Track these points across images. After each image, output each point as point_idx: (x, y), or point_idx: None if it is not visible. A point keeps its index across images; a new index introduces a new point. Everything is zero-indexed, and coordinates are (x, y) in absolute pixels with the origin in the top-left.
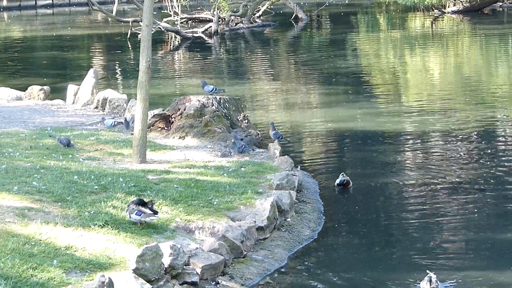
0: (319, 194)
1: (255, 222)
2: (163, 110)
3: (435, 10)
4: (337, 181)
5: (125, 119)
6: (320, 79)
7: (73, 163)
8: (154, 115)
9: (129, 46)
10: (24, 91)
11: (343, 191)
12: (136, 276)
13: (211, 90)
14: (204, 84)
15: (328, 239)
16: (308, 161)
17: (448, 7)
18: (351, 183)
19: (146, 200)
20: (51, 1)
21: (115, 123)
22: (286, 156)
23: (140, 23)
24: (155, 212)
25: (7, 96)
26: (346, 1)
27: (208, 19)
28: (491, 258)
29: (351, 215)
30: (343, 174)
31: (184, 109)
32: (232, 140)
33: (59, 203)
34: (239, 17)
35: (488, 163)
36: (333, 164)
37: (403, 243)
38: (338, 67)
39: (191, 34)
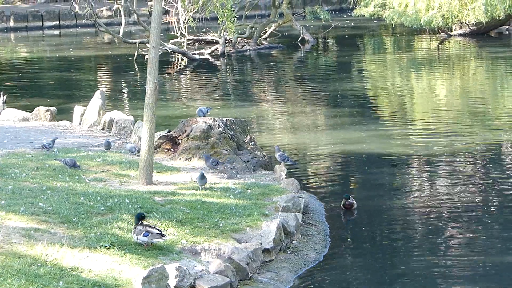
0: (325, 216)
1: (261, 244)
2: (170, 131)
3: (442, 33)
4: (342, 202)
5: (106, 140)
6: (326, 101)
7: (80, 184)
8: (160, 137)
9: (136, 67)
10: (31, 112)
11: (348, 213)
12: None
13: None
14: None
15: (334, 262)
16: (314, 183)
17: (455, 30)
18: (355, 205)
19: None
20: (58, 23)
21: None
22: (292, 178)
23: (147, 44)
24: (162, 234)
25: (13, 117)
26: (352, 24)
27: (214, 40)
28: (496, 281)
29: (357, 237)
30: (347, 196)
31: (191, 131)
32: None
33: (65, 224)
34: (245, 39)
35: (494, 187)
36: (339, 186)
37: (408, 265)
38: (345, 89)
39: (197, 56)
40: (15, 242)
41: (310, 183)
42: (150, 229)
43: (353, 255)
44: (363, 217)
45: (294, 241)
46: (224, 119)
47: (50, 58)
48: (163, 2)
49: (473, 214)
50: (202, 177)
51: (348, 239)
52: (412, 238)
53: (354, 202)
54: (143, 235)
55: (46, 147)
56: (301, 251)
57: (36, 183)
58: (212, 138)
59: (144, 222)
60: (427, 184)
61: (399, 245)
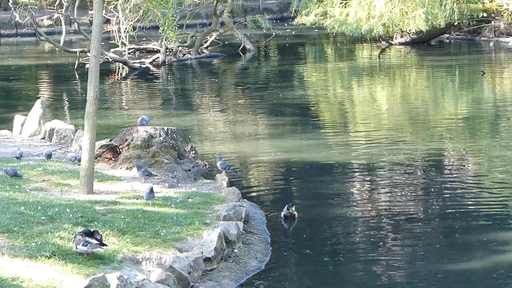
0: (266, 225)
1: (202, 253)
2: (111, 140)
3: (383, 42)
4: (282, 213)
5: (46, 151)
6: (267, 110)
7: (20, 194)
8: (101, 146)
9: (77, 76)
10: None
11: (289, 221)
12: None
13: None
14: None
15: (275, 270)
16: (256, 192)
17: (396, 38)
18: (296, 216)
19: (92, 230)
20: None
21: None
22: (233, 187)
23: (88, 53)
24: (102, 243)
25: None
26: (293, 33)
27: (156, 49)
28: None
29: (298, 245)
30: (288, 207)
31: (132, 140)
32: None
33: (6, 234)
34: (187, 48)
35: (434, 194)
36: (280, 195)
37: (349, 273)
38: (286, 98)
39: (138, 65)
40: None
41: (251, 191)
42: (89, 239)
43: (294, 263)
44: (304, 225)
45: (236, 250)
46: (165, 128)
47: None
48: (104, 11)
49: (413, 221)
50: (151, 192)
51: (289, 248)
52: (353, 246)
53: (296, 213)
54: (82, 245)
55: None
56: (243, 260)
57: None
58: (153, 147)
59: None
60: (368, 192)
61: (340, 253)
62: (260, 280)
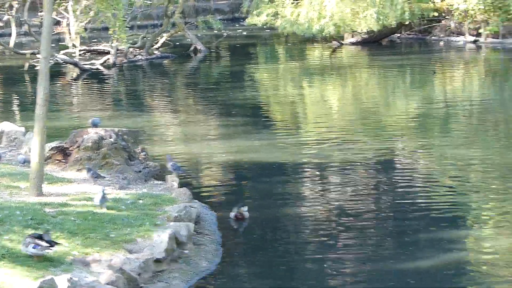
0: (217, 226)
1: (152, 254)
2: (61, 142)
3: (334, 42)
4: (232, 213)
5: None
6: (218, 110)
7: None
8: (51, 148)
9: (27, 78)
10: None
11: (241, 222)
12: None
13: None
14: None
15: (226, 270)
16: (207, 193)
17: (347, 38)
18: (246, 216)
19: (42, 232)
20: None
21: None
22: (184, 188)
23: (38, 55)
24: (52, 244)
25: None
26: (245, 33)
27: (106, 51)
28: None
29: (249, 246)
30: (238, 208)
31: (82, 142)
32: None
33: None
34: (137, 49)
35: (385, 194)
36: (231, 196)
37: (301, 273)
38: (237, 98)
39: (89, 66)
40: None
41: (202, 192)
42: (39, 241)
43: (245, 264)
44: (256, 225)
45: (186, 251)
46: (116, 129)
47: None
48: (54, 12)
49: (364, 220)
50: (104, 197)
51: (240, 248)
52: (304, 245)
53: (246, 213)
54: (32, 247)
55: None
56: (193, 261)
57: None
58: (103, 149)
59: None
60: (319, 191)
61: (292, 253)
62: (210, 281)
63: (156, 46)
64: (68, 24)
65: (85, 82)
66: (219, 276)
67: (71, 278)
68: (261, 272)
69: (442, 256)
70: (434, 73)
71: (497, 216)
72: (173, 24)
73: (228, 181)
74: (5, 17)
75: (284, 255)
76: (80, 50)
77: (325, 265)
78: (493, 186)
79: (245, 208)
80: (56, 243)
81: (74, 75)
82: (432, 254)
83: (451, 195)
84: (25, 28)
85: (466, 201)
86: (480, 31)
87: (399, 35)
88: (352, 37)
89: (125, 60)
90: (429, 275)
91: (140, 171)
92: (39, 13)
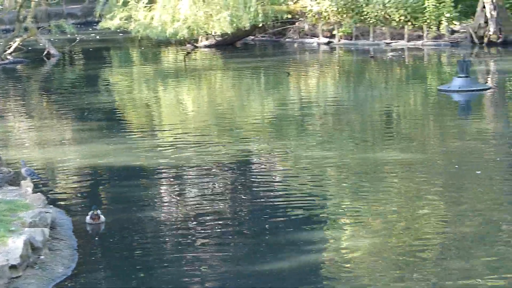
0: (73, 231)
1: (7, 260)
2: None
3: (188, 45)
4: (88, 217)
5: None
6: (73, 115)
7: None
8: None
9: None
10: None
11: (97, 226)
12: None
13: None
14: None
15: (83, 275)
16: (62, 198)
17: (201, 41)
18: (101, 218)
19: None
20: None
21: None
22: (39, 193)
23: None
24: None
25: None
26: (98, 37)
27: None
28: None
29: (106, 250)
30: (95, 207)
31: None
32: None
33: None
34: None
35: (243, 195)
36: (87, 200)
37: (159, 276)
38: (91, 102)
39: None
40: None
41: (57, 197)
42: None
43: (102, 268)
44: (113, 230)
45: (42, 257)
46: None
47: None
48: None
49: (223, 223)
50: None
51: (97, 252)
52: (163, 249)
53: (102, 216)
54: None
55: None
56: (49, 266)
57: None
58: None
59: None
60: (177, 195)
61: (150, 256)
62: (66, 286)
63: (8, 51)
64: None
65: None
66: (75, 281)
67: None
68: (119, 275)
69: (300, 257)
70: (288, 74)
71: (353, 217)
72: (26, 29)
73: (84, 186)
74: None
75: (142, 258)
76: None
77: (183, 267)
78: (349, 187)
79: (99, 211)
80: None
81: None
82: (290, 255)
83: (308, 196)
84: None
85: (323, 202)
86: (333, 32)
87: (253, 37)
88: (206, 40)
89: None
90: (287, 276)
91: None
92: None
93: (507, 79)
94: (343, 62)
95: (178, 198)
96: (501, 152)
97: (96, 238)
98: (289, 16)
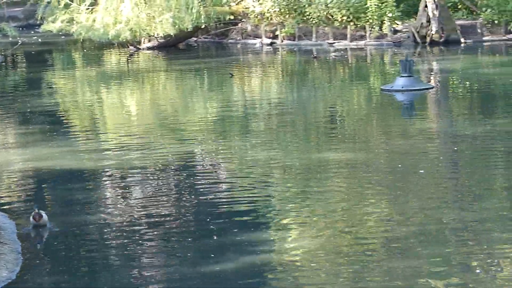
0: (16, 235)
1: None
2: None
3: (131, 47)
4: (31, 218)
5: None
6: (16, 118)
7: None
8: None
9: None
10: None
11: (42, 230)
12: None
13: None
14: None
15: (27, 279)
16: (5, 202)
17: (144, 43)
18: (43, 217)
19: None
20: None
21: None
22: None
23: None
24: None
25: None
26: (40, 40)
27: None
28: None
29: (51, 253)
30: (36, 207)
31: None
32: None
33: None
34: None
35: (188, 197)
36: (31, 204)
37: (105, 279)
38: (35, 105)
39: None
40: None
41: (1, 201)
42: None
43: (48, 272)
44: (58, 233)
45: None
46: None
47: None
48: None
49: (168, 225)
50: None
51: (42, 256)
52: (108, 251)
53: (44, 213)
54: None
55: None
56: None
57: None
58: None
59: None
60: (121, 197)
61: (95, 259)
62: None
63: None
64: None
65: None
66: (20, 285)
67: None
68: (64, 278)
69: (244, 257)
70: (232, 76)
71: (298, 217)
72: None
73: (28, 190)
74: None
75: (87, 261)
76: None
77: (128, 269)
78: (294, 187)
79: (41, 211)
80: None
81: None
82: (235, 256)
83: (253, 197)
84: None
85: (267, 203)
86: (276, 33)
87: (196, 39)
88: (149, 41)
89: None
90: (232, 277)
91: None
92: None
93: (449, 78)
94: (286, 62)
95: (123, 200)
96: (444, 151)
97: (42, 242)
98: (232, 17)
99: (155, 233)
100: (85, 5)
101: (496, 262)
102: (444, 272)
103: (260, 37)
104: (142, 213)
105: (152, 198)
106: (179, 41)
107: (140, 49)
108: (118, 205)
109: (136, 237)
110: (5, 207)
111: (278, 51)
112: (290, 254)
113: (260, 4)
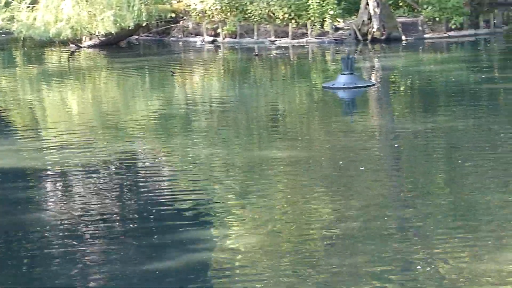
0: None
1: None
2: None
3: (72, 45)
4: None
5: None
6: None
7: None
8: None
9: None
10: None
11: None
12: None
13: None
14: None
15: None
16: None
17: (85, 41)
18: None
19: None
20: None
21: None
22: None
23: None
24: None
25: None
26: None
27: None
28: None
29: None
30: None
31: None
32: None
33: None
34: None
35: (130, 195)
36: None
37: (47, 279)
38: None
39: None
40: None
41: None
42: None
43: None
44: None
45: None
46: None
47: None
48: None
49: (110, 223)
50: None
51: None
52: (50, 251)
53: None
54: None
55: None
56: None
57: None
58: None
59: None
60: (63, 196)
61: (37, 259)
62: None
63: None
64: None
65: None
66: None
67: None
68: (3, 279)
69: (186, 256)
70: (173, 74)
71: (240, 215)
72: None
73: None
74: None
75: (27, 260)
76: None
77: (69, 268)
78: (236, 185)
79: None
80: None
81: None
82: (176, 255)
83: (194, 194)
84: None
85: (209, 201)
86: (218, 31)
87: (137, 36)
88: (90, 39)
89: None
90: (173, 275)
91: None
92: None
93: (391, 75)
94: (228, 60)
95: (64, 199)
96: (386, 147)
97: None
98: (173, 15)
99: (97, 232)
100: (26, 3)
101: (438, 258)
102: (386, 269)
103: (202, 35)
104: (83, 212)
105: (93, 197)
106: (121, 39)
107: (81, 47)
108: (59, 204)
109: (77, 237)
110: None
111: (220, 49)
112: (231, 252)
113: (202, 2)
